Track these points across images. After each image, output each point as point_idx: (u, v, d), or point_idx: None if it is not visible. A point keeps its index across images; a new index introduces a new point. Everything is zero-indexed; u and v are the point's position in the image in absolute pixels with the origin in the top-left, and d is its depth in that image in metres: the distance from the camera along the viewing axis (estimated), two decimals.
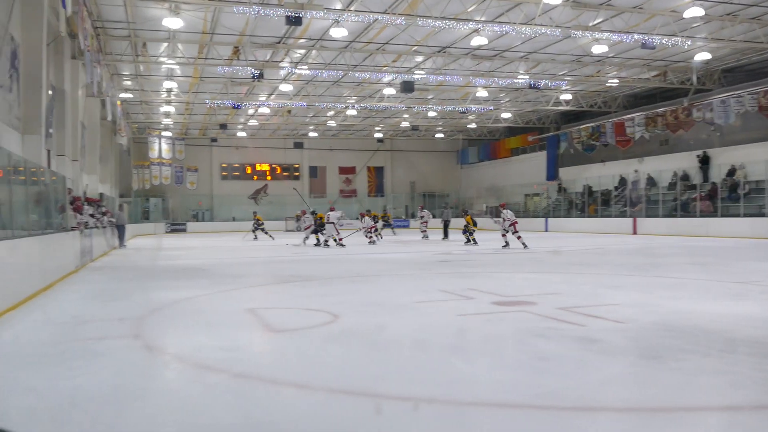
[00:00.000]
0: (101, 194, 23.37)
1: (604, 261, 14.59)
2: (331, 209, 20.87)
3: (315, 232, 21.18)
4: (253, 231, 28.49)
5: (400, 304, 7.50)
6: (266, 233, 28.21)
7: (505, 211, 18.70)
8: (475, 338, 5.58)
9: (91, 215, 16.04)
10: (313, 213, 21.80)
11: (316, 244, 20.84)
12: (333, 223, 20.00)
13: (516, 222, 18.53)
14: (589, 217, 32.31)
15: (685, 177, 28.08)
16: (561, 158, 37.53)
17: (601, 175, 33.20)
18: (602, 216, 31.33)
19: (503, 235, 18.48)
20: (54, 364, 4.68)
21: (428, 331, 5.77)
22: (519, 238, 18.37)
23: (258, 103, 31.73)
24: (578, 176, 35.24)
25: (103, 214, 18.90)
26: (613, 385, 4.03)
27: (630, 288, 8.99)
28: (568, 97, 31.96)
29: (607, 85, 29.64)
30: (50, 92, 16.54)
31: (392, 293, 8.79)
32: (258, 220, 28.77)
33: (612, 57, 25.07)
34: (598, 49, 21.55)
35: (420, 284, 9.84)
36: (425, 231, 25.21)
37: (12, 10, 12.43)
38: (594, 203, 32.71)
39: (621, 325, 5.85)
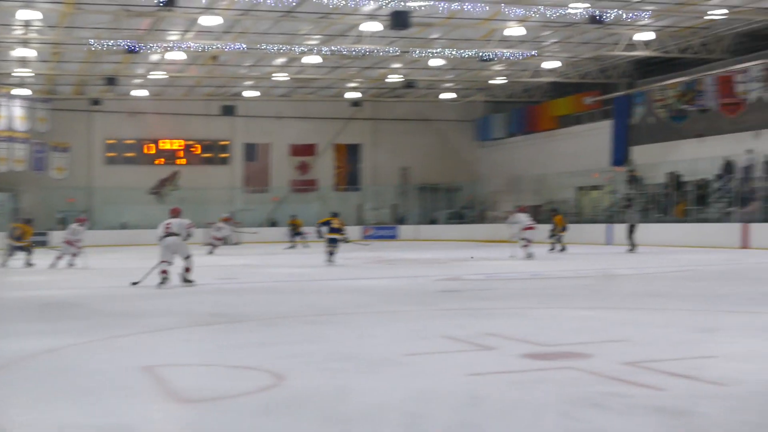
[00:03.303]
0: None
1: (696, 290, 14.64)
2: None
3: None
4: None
5: (382, 358, 7.49)
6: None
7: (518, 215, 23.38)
8: (496, 411, 5.57)
9: None
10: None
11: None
12: None
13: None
14: (676, 221, 32.36)
15: None
16: (634, 131, 37.44)
17: (698, 157, 32.97)
18: (696, 220, 31.38)
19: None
20: None
21: (424, 400, 5.76)
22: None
23: (166, 45, 31.64)
24: (660, 159, 35.16)
25: None
26: None
27: (735, 331, 9.01)
28: (648, 36, 31.55)
29: (706, 18, 29.38)
30: None
31: (372, 341, 8.77)
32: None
33: None
34: None
35: (414, 327, 9.82)
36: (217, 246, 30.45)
37: None
38: (684, 200, 32.69)
39: (721, 389, 5.86)
